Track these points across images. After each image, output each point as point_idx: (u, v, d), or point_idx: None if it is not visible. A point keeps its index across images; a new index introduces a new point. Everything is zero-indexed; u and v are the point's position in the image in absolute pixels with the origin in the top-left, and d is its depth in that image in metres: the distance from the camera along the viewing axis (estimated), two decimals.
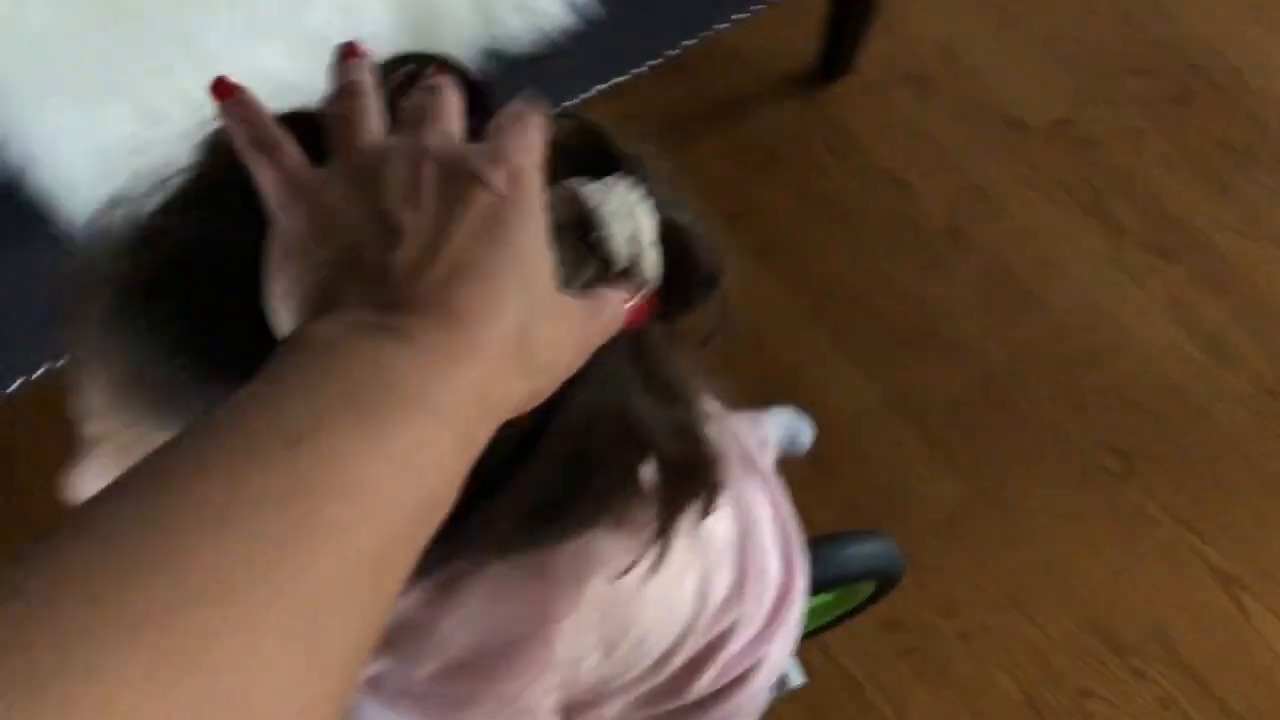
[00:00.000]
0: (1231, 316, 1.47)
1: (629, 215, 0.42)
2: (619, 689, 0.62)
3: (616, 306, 0.42)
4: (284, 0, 0.89)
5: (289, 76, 0.87)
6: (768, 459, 0.77)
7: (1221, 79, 1.64)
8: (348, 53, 0.43)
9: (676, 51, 1.19)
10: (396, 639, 0.53)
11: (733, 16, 1.22)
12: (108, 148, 0.86)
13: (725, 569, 0.65)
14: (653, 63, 1.18)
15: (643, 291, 0.43)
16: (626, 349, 0.44)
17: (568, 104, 1.13)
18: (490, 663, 0.53)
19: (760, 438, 0.79)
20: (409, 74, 0.44)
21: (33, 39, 0.89)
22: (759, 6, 1.24)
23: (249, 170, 0.39)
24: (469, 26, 0.95)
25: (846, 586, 0.99)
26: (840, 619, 1.08)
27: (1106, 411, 1.40)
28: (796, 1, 1.50)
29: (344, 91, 0.42)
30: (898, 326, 1.44)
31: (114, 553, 0.26)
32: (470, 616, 0.53)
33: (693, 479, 0.51)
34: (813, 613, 1.01)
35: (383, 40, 0.88)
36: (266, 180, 0.39)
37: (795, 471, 0.81)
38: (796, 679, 0.90)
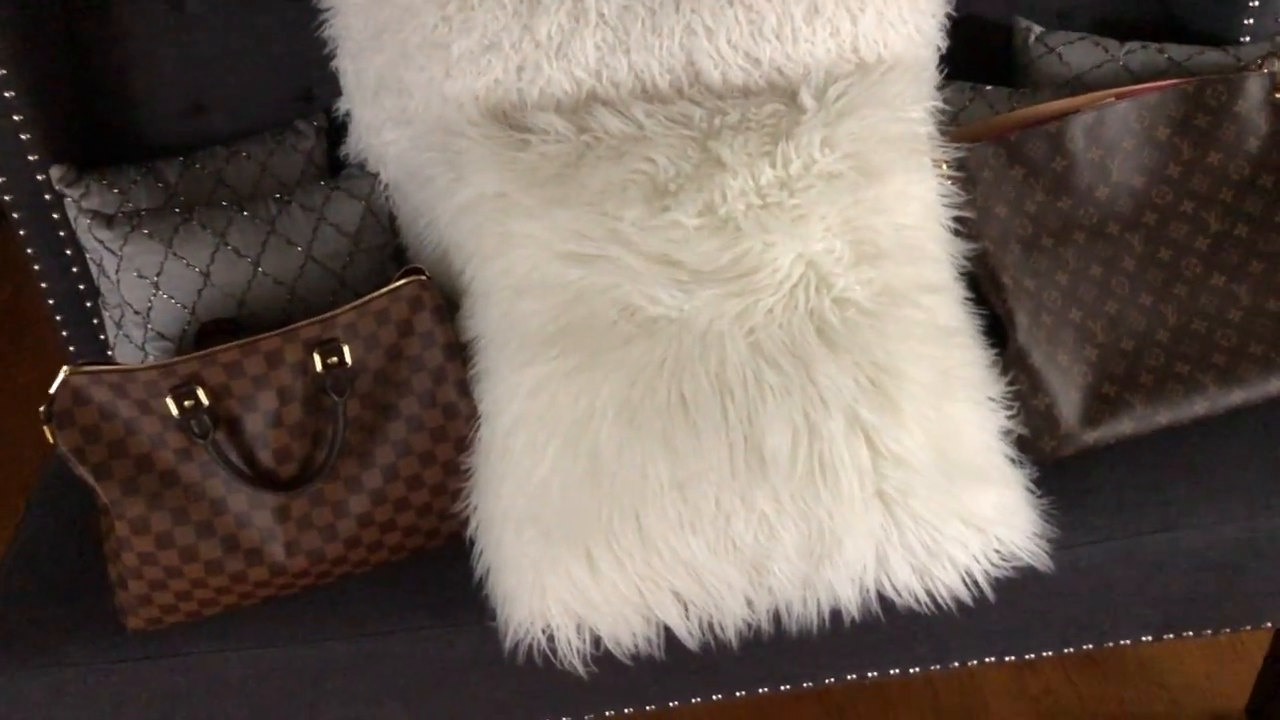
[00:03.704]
0: None
1: None
2: None
3: None
4: None
5: None
6: None
7: None
8: None
9: (1090, 646, 1.22)
10: None
11: (1164, 635, 1.22)
12: None
13: None
14: (1066, 649, 1.22)
15: None
16: None
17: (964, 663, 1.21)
18: None
19: None
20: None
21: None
22: (1189, 632, 1.23)
23: None
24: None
25: None
26: None
27: None
28: (1237, 642, 1.55)
29: None
30: None
31: None
32: None
33: None
34: None
35: None
36: None
37: None
38: None
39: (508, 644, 1.08)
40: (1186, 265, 1.21)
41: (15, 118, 1.29)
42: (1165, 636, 1.23)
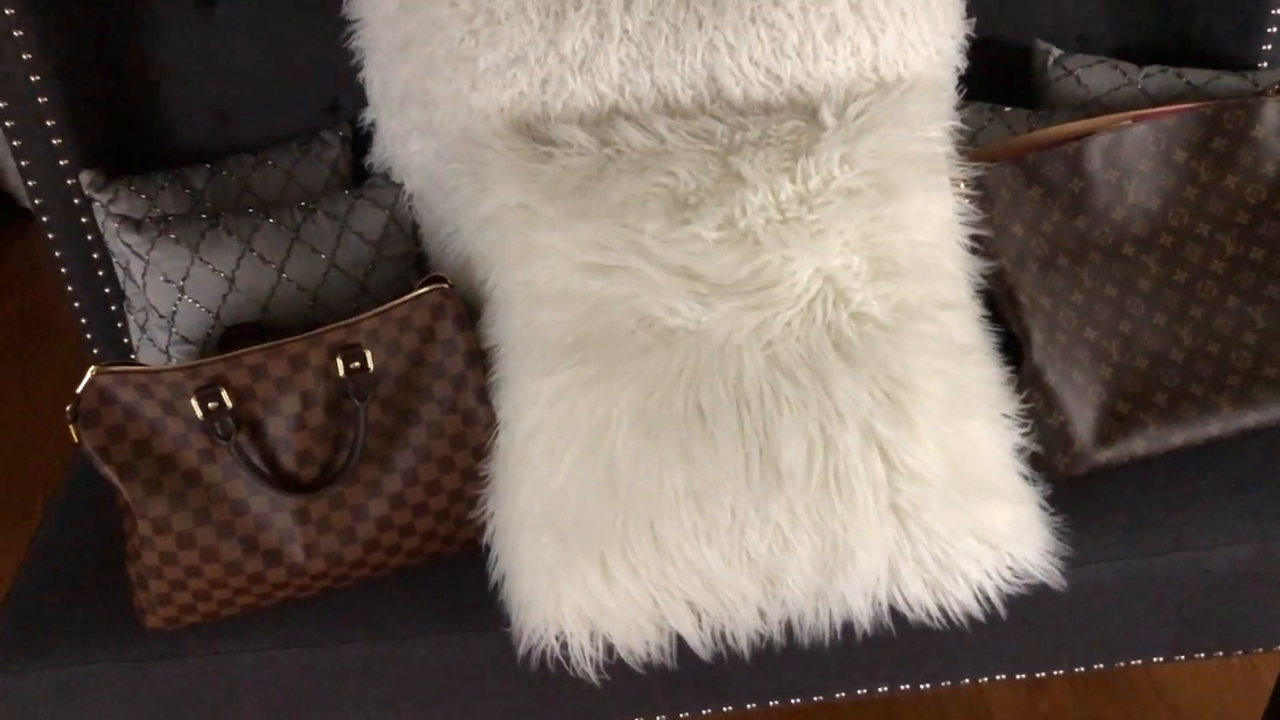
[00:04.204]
0: None
1: None
2: None
3: None
4: None
5: None
6: None
7: None
8: None
9: (1100, 666, 1.21)
10: None
11: (1176, 656, 1.22)
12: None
13: None
14: (1077, 669, 1.22)
15: None
16: None
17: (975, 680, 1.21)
18: None
19: None
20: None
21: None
22: (1201, 654, 1.22)
23: None
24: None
25: None
26: None
27: None
28: (1248, 665, 1.56)
29: None
30: None
31: None
32: None
33: None
34: None
35: None
36: None
37: None
38: None
39: (521, 650, 1.09)
40: (1202, 287, 1.22)
41: (48, 123, 1.32)
42: (1177, 658, 1.23)
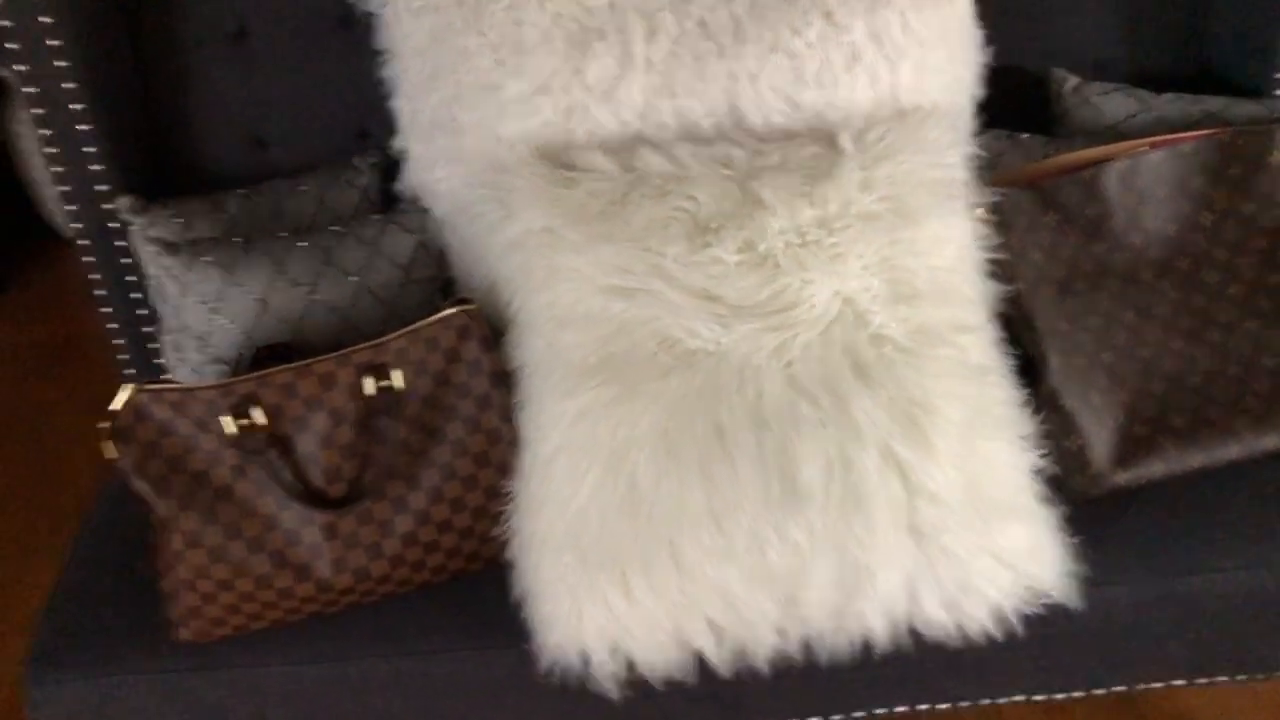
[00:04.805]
0: None
1: None
2: None
3: None
4: None
5: None
6: None
7: None
8: None
9: (1121, 687, 1.22)
10: None
11: (1196, 679, 1.23)
12: None
13: None
14: (1096, 690, 1.23)
15: None
16: None
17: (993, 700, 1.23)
18: None
19: None
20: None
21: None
22: (1223, 676, 1.23)
23: None
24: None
25: None
26: None
27: None
28: (1275, 690, 1.57)
29: None
30: None
31: None
32: None
33: None
34: None
35: None
36: None
37: None
38: None
39: (544, 666, 1.11)
40: (1219, 311, 1.23)
41: (87, 149, 1.36)
42: (1196, 680, 1.23)
